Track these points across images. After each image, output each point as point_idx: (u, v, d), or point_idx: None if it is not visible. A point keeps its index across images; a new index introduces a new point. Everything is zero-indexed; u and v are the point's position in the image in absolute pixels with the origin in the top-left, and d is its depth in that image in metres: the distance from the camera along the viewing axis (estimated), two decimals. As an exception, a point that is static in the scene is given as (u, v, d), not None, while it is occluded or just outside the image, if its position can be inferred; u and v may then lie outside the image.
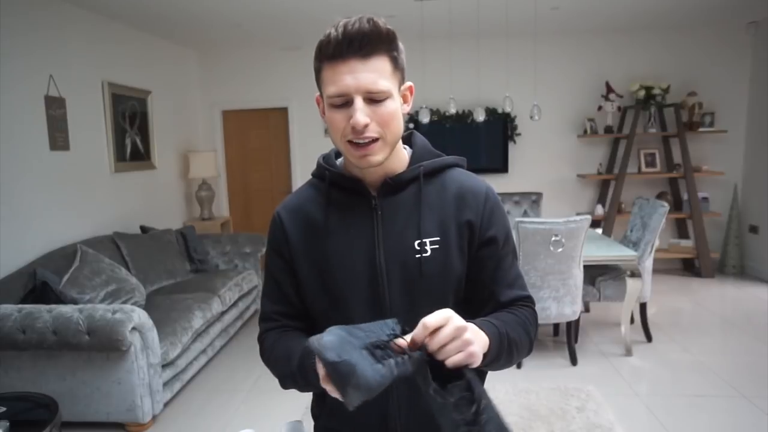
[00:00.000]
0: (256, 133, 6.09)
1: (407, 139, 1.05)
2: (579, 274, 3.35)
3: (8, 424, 2.03)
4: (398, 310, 0.93)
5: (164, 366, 2.90)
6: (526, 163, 5.72)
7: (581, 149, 5.73)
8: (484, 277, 0.98)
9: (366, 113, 0.86)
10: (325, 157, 1.04)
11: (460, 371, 0.75)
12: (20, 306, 2.69)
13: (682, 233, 5.65)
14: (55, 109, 3.60)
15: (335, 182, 0.99)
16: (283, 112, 5.97)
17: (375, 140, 0.88)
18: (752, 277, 5.32)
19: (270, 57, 5.86)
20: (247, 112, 6.03)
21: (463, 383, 0.73)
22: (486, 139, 5.56)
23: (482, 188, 1.00)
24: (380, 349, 0.74)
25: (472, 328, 0.78)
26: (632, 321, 3.85)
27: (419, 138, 1.05)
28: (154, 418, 2.83)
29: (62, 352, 2.64)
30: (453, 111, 4.87)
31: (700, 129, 5.35)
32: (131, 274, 3.58)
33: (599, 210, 5.53)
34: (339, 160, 1.03)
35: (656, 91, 5.19)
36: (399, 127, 0.92)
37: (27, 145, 3.39)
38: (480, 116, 4.74)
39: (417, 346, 0.74)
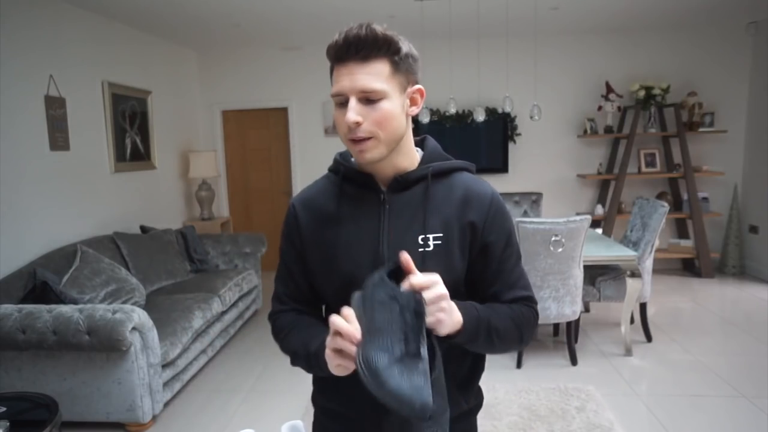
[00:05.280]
0: (256, 133, 6.09)
1: (420, 143, 1.09)
2: (579, 274, 3.35)
3: (8, 424, 2.03)
4: None
5: (164, 366, 2.90)
6: (526, 163, 5.73)
7: (581, 149, 5.73)
8: (485, 278, 1.03)
9: (359, 112, 0.92)
10: (342, 154, 1.09)
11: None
12: (20, 306, 2.69)
13: (682, 233, 5.65)
14: (55, 109, 3.60)
15: (348, 177, 1.04)
16: (283, 112, 5.98)
17: (369, 138, 0.93)
18: (752, 277, 5.32)
19: (270, 57, 5.86)
20: (247, 112, 6.03)
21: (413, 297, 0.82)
22: (486, 139, 5.56)
23: (488, 193, 1.03)
24: (408, 355, 0.79)
25: (450, 302, 0.87)
26: (632, 321, 3.84)
27: (431, 142, 1.10)
28: (154, 418, 2.83)
29: (62, 352, 2.64)
30: (453, 111, 4.87)
31: (700, 129, 5.35)
32: (131, 274, 3.58)
33: (599, 210, 5.53)
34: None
35: (656, 91, 5.19)
36: (395, 127, 0.95)
37: (27, 145, 3.39)
38: (480, 116, 4.74)
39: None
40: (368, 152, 0.95)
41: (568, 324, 3.48)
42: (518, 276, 1.05)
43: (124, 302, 3.20)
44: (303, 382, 3.40)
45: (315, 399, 1.17)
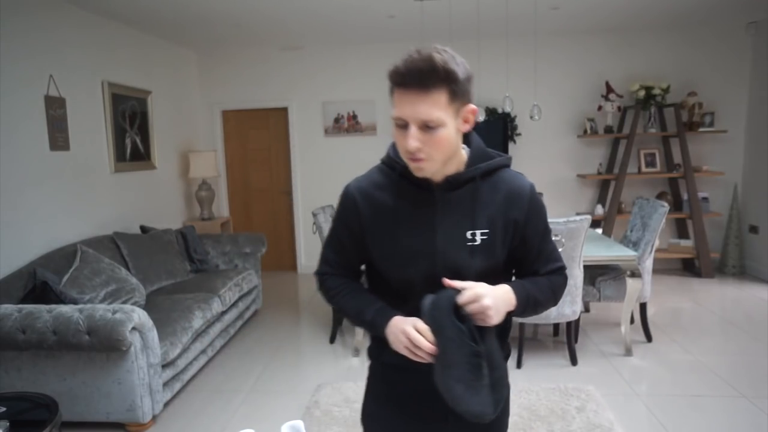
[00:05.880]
0: (256, 133, 6.09)
1: (465, 138, 1.19)
2: (579, 274, 3.34)
3: (8, 424, 2.03)
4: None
5: (164, 366, 2.90)
6: (526, 163, 5.72)
7: (581, 149, 5.73)
8: (525, 259, 1.21)
9: (418, 138, 1.03)
10: (395, 149, 1.18)
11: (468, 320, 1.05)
12: (20, 306, 2.68)
13: (682, 233, 5.65)
14: (55, 109, 3.60)
15: (404, 175, 1.15)
16: (283, 112, 5.98)
17: (426, 159, 1.05)
18: (752, 277, 5.32)
19: (270, 57, 5.86)
20: (247, 112, 6.03)
21: (471, 324, 1.05)
22: (486, 139, 5.37)
23: (526, 188, 1.18)
24: (476, 379, 1.04)
25: (497, 302, 1.05)
26: (632, 321, 3.84)
27: (476, 139, 1.21)
28: (154, 418, 2.83)
29: (62, 352, 2.64)
30: (453, 111, 4.86)
31: (700, 129, 5.35)
32: (131, 274, 3.57)
33: (599, 210, 5.53)
34: None
35: (656, 91, 5.19)
36: (449, 148, 1.07)
37: (27, 145, 3.39)
38: (480, 116, 4.73)
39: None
40: (424, 170, 1.08)
41: (568, 324, 3.47)
42: (551, 251, 1.23)
43: (124, 302, 3.20)
44: (303, 382, 3.41)
45: (372, 352, 1.30)
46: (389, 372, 1.26)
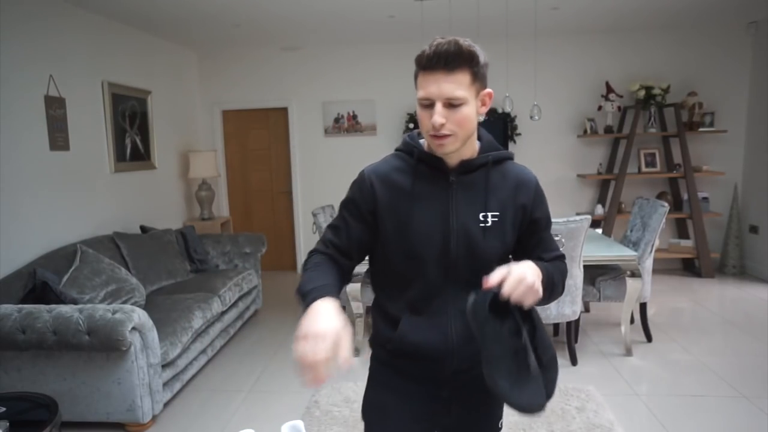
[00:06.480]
0: (256, 133, 6.09)
1: (477, 133, 1.26)
2: (579, 274, 3.34)
3: (8, 424, 2.03)
4: (461, 264, 1.19)
5: (164, 366, 2.90)
6: (526, 163, 5.56)
7: (581, 149, 5.73)
8: (532, 244, 1.28)
9: (443, 115, 1.10)
10: (412, 137, 1.27)
11: (509, 310, 1.07)
12: (20, 306, 2.68)
13: (682, 233, 5.65)
14: (55, 109, 3.60)
15: (422, 159, 1.22)
16: (283, 112, 5.98)
17: (449, 135, 1.12)
18: (752, 277, 5.32)
19: (270, 57, 5.86)
20: (247, 112, 6.03)
21: (512, 319, 1.08)
22: (486, 139, 5.54)
23: (533, 179, 1.28)
24: (522, 372, 1.07)
25: (534, 274, 1.06)
26: (632, 321, 3.84)
27: (485, 133, 1.29)
28: (154, 418, 2.83)
29: (62, 352, 2.64)
30: (453, 111, 4.86)
31: (700, 129, 5.35)
32: (131, 274, 3.57)
33: (599, 210, 5.53)
34: (422, 140, 1.27)
35: (656, 91, 5.19)
36: (471, 126, 1.16)
37: (27, 145, 3.39)
38: (480, 116, 4.73)
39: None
40: (447, 146, 1.14)
41: (568, 324, 3.47)
42: (552, 240, 1.33)
43: (124, 302, 3.20)
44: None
45: (373, 340, 1.34)
46: (390, 358, 1.29)
